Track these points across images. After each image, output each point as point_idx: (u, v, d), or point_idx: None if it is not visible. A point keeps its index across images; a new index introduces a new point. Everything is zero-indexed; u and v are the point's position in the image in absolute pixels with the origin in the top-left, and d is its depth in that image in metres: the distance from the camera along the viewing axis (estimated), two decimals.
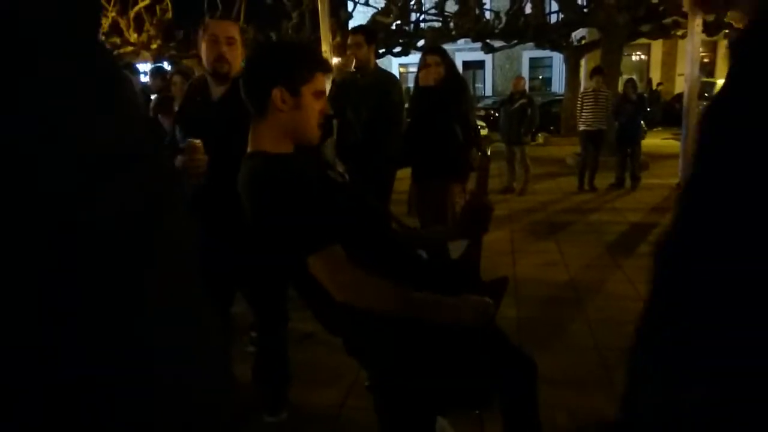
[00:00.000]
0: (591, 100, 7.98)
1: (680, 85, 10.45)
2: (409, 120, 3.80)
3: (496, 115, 11.07)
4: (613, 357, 3.02)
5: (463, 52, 26.46)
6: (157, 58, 20.07)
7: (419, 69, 3.60)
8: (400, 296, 1.37)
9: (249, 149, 1.53)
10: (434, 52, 3.62)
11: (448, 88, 3.49)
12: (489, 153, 2.06)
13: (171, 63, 20.37)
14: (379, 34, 12.32)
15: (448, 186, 3.53)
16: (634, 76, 23.12)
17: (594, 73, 8.28)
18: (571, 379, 2.76)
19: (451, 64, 3.59)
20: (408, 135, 3.70)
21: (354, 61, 3.87)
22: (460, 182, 3.58)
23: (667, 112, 17.24)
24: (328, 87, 2.24)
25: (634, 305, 3.71)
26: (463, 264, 1.67)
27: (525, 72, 28.48)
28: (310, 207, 1.37)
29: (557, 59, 23.92)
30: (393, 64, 28.63)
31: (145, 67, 21.55)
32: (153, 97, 4.62)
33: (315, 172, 1.51)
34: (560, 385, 2.63)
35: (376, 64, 3.91)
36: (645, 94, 17.53)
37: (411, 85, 3.94)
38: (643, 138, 9.37)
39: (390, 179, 3.99)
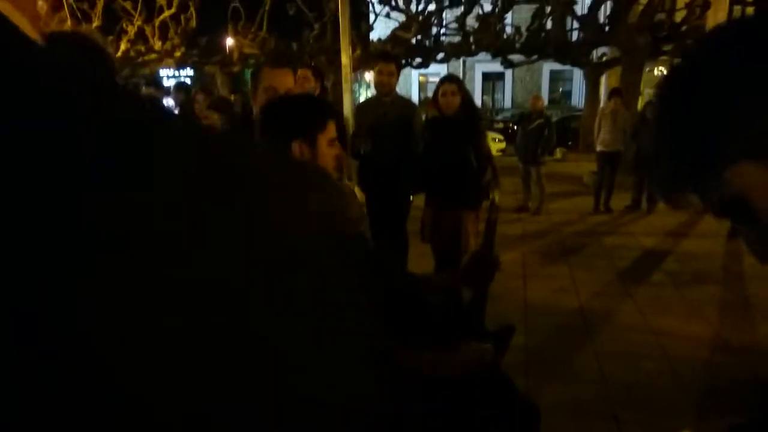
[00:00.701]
0: (609, 121, 7.96)
1: None
2: (423, 146, 3.86)
3: (515, 128, 11.07)
4: (618, 391, 3.04)
5: (482, 64, 26.50)
6: (180, 65, 20.39)
7: (435, 95, 3.67)
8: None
9: None
10: (450, 80, 3.68)
11: (463, 118, 3.55)
12: (497, 200, 2.07)
13: (194, 69, 20.71)
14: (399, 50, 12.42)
15: (461, 214, 3.58)
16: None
17: (612, 94, 8.26)
18: (575, 410, 2.78)
19: (466, 92, 3.65)
20: (423, 161, 3.76)
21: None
22: (474, 210, 3.63)
23: None
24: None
25: (642, 338, 3.72)
26: (467, 313, 1.72)
27: (545, 85, 28.41)
28: None
29: (578, 73, 23.84)
30: (413, 75, 28.78)
31: (167, 72, 21.92)
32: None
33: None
34: (563, 416, 2.66)
35: (396, 91, 3.98)
36: None
37: (430, 94, 3.99)
38: None
39: (408, 205, 4.07)
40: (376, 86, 3.97)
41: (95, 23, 13.90)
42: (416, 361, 1.45)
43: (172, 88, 5.60)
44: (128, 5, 14.48)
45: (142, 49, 15.36)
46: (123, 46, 14.92)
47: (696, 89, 0.54)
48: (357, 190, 3.84)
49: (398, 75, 3.94)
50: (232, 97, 4.73)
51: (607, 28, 12.64)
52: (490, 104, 28.74)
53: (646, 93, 18.83)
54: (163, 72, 22.49)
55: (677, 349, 3.56)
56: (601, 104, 11.01)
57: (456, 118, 3.55)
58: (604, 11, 13.91)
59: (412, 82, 28.83)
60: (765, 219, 0.52)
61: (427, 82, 27.81)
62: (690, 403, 2.93)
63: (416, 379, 1.42)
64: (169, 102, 5.52)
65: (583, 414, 2.78)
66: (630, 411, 2.84)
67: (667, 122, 0.59)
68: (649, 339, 3.72)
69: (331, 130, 1.60)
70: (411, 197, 4.08)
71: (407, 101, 4.21)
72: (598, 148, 8.16)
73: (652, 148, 0.60)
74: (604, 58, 15.59)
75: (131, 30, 14.86)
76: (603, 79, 15.54)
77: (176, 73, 24.05)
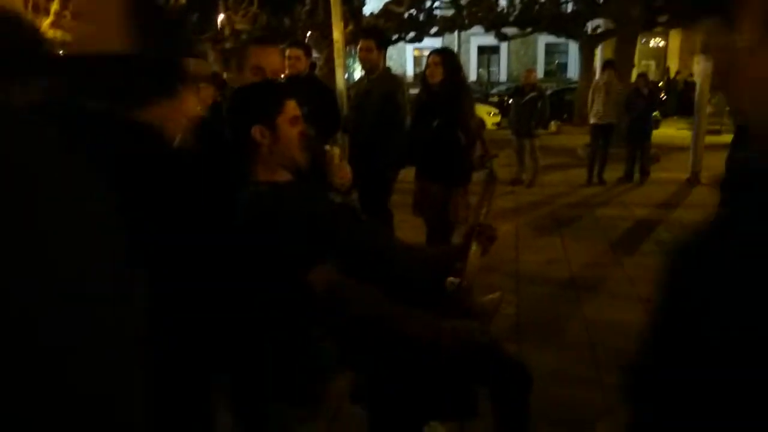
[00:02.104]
0: (602, 93, 7.98)
1: (698, 74, 10.36)
2: (411, 121, 3.89)
3: (510, 101, 11.07)
4: (607, 357, 3.13)
5: (477, 37, 26.28)
6: None
7: (424, 69, 3.69)
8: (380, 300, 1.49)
9: (251, 181, 1.66)
10: (436, 52, 3.69)
11: (446, 92, 3.56)
12: (495, 174, 2.08)
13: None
14: (390, 25, 12.30)
15: (449, 189, 3.62)
16: (652, 63, 22.79)
17: (606, 66, 8.27)
18: (564, 376, 2.87)
19: (451, 65, 3.64)
20: (411, 135, 3.79)
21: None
22: (462, 185, 3.67)
23: (683, 100, 17.06)
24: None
25: (631, 305, 3.81)
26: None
27: (541, 57, 28.23)
28: (302, 232, 1.49)
29: (573, 45, 23.65)
30: (407, 50, 28.51)
31: None
32: None
33: (314, 196, 1.63)
34: (552, 381, 2.74)
35: (385, 67, 3.98)
36: (660, 83, 17.40)
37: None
38: (656, 129, 9.35)
39: (391, 181, 4.10)
40: (360, 63, 3.99)
41: None
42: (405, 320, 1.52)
43: None
44: None
45: None
46: None
47: None
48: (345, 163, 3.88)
49: (380, 51, 3.92)
50: (225, 75, 4.70)
51: (600, 0, 12.56)
52: (486, 78, 28.56)
53: (642, 65, 18.76)
54: None
55: None
56: (596, 76, 11.00)
57: (439, 92, 3.57)
58: None
59: (407, 57, 28.60)
60: None
61: (422, 56, 27.59)
62: None
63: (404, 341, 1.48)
64: None
65: (571, 379, 2.87)
66: (616, 375, 2.93)
67: None
68: (637, 306, 3.81)
69: (291, 110, 1.67)
70: (393, 173, 4.09)
71: (393, 77, 4.21)
72: (591, 120, 8.19)
73: None
74: (599, 30, 15.49)
75: None
76: (598, 52, 15.44)
77: None
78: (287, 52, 3.87)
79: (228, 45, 17.46)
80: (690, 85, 14.78)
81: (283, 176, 1.66)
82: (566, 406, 2.61)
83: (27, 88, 0.92)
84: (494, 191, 1.94)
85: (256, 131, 1.61)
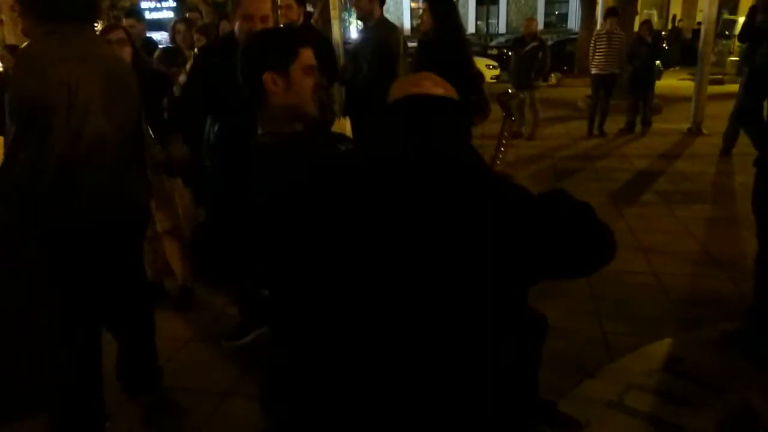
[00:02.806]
0: (604, 42, 7.79)
1: (703, 20, 10.02)
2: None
3: (509, 54, 10.82)
4: (607, 305, 3.13)
5: None
6: None
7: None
8: None
9: (259, 131, 1.59)
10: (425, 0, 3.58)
11: (437, 38, 3.45)
12: (512, 112, 1.98)
13: (176, 0, 19.98)
14: None
15: None
16: (654, 12, 22.30)
17: (608, 14, 8.04)
18: (563, 327, 2.86)
19: (441, 10, 3.51)
20: None
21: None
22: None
23: (686, 50, 16.72)
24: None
25: (631, 255, 3.80)
26: None
27: (541, 8, 27.57)
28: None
29: None
30: (404, 2, 27.84)
31: (149, 5, 21.13)
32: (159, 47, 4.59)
33: (322, 150, 1.55)
34: (554, 332, 2.73)
35: (381, 15, 3.85)
36: (663, 33, 17.00)
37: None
38: (659, 79, 9.17)
39: None
40: (354, 12, 3.89)
41: None
42: None
43: (172, 23, 5.31)
44: None
45: None
46: None
47: None
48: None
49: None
50: (221, 24, 4.55)
51: None
52: (484, 29, 27.96)
53: (644, 13, 18.32)
54: (144, 4, 21.69)
55: (665, 265, 3.65)
56: (598, 27, 10.71)
57: (431, 40, 3.47)
58: None
59: (404, 9, 27.94)
60: None
61: (419, 9, 26.96)
62: (676, 315, 3.03)
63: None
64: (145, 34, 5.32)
65: (571, 330, 2.86)
66: (617, 323, 2.94)
67: None
68: (637, 256, 3.80)
69: (306, 58, 1.57)
70: None
71: (390, 25, 4.07)
72: (593, 70, 8.03)
73: None
74: None
75: None
76: (600, 0, 15.04)
77: (157, 5, 23.19)
78: (279, 1, 3.75)
79: None
80: (697, 34, 14.45)
81: (292, 127, 1.58)
82: (568, 356, 2.62)
83: None
84: (511, 131, 1.85)
85: (268, 78, 1.52)
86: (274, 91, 1.53)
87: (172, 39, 4.84)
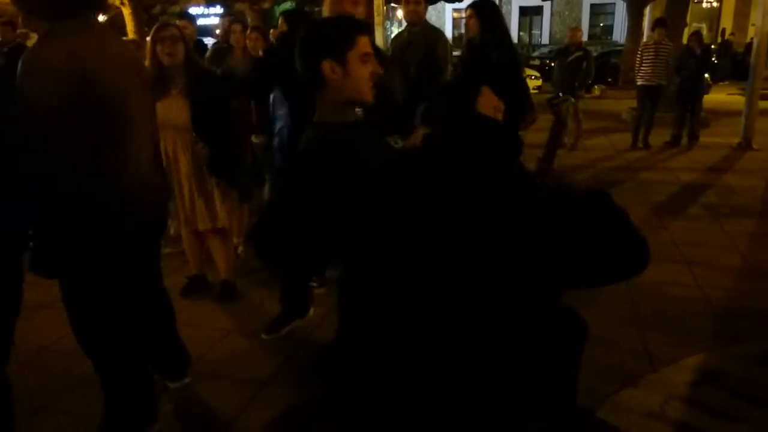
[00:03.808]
0: (651, 53, 7.66)
1: (755, 34, 9.71)
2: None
3: (552, 65, 10.72)
4: (648, 316, 3.07)
5: None
6: (209, 2, 20.11)
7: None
8: None
9: (314, 119, 1.63)
10: (471, 5, 3.59)
11: (485, 42, 3.46)
12: (564, 117, 2.00)
13: (223, 6, 20.48)
14: None
15: None
16: (704, 26, 21.76)
17: (656, 24, 7.91)
18: (603, 336, 2.83)
19: (487, 15, 3.52)
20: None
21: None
22: None
23: (736, 64, 16.26)
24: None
25: (675, 267, 3.72)
26: None
27: (585, 19, 27.21)
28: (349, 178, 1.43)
29: (620, 5, 22.71)
30: (447, 10, 27.86)
31: (197, 10, 21.71)
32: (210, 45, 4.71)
33: (372, 141, 1.57)
34: (594, 341, 2.68)
35: (426, 20, 3.89)
36: (713, 46, 16.59)
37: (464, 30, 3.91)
38: (707, 93, 8.94)
39: None
40: (405, 17, 3.92)
41: None
42: None
43: (223, 21, 5.46)
44: None
45: None
46: None
47: None
48: None
49: (426, 5, 3.86)
50: (271, 32, 4.66)
51: None
52: (527, 40, 27.75)
53: (694, 26, 17.90)
54: (193, 10, 22.27)
55: (709, 278, 3.56)
56: (644, 38, 10.52)
57: (479, 44, 3.49)
58: None
59: (446, 19, 27.98)
60: None
61: (461, 18, 26.95)
62: (718, 329, 2.96)
63: None
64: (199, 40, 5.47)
65: (611, 339, 2.82)
66: (658, 334, 2.88)
67: None
68: (682, 269, 3.71)
69: (363, 46, 1.60)
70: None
71: (435, 29, 4.10)
72: (639, 82, 7.89)
73: None
74: None
75: None
76: (647, 12, 14.76)
77: (205, 11, 23.78)
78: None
79: (266, 5, 17.39)
80: (749, 48, 14.06)
81: (349, 115, 1.62)
82: (607, 364, 2.58)
83: None
84: (562, 134, 1.86)
85: (326, 66, 1.55)
86: (332, 78, 1.56)
87: (226, 38, 4.96)
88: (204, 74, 3.16)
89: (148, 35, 3.23)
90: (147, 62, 2.89)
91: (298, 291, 2.95)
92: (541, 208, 1.20)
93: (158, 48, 2.88)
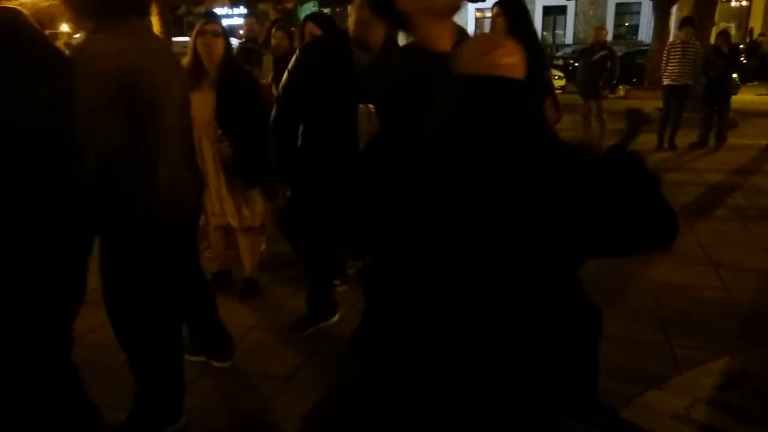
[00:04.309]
0: (678, 52, 7.55)
1: None
2: None
3: (576, 65, 10.62)
4: (673, 318, 3.03)
5: None
6: (233, 3, 20.35)
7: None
8: None
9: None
10: (497, 4, 3.58)
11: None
12: (646, 115, 1.84)
13: (247, 7, 20.69)
14: None
15: None
16: (732, 25, 21.39)
17: (684, 23, 7.79)
18: (628, 337, 2.80)
19: (514, 13, 3.51)
20: None
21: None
22: None
23: (765, 64, 15.94)
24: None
25: (701, 270, 3.67)
26: None
27: (610, 18, 26.88)
28: None
29: (646, 5, 22.41)
30: (470, 9, 27.74)
31: (221, 11, 21.95)
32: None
33: None
34: (618, 343, 2.67)
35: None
36: (741, 46, 16.27)
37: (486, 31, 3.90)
38: (735, 94, 8.79)
39: None
40: None
41: None
42: None
43: (247, 21, 5.49)
44: None
45: None
46: None
47: None
48: None
49: None
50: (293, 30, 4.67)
51: None
52: (551, 40, 27.50)
53: (722, 25, 17.58)
54: (218, 11, 22.54)
55: (736, 280, 3.50)
56: (671, 38, 10.38)
57: None
58: None
59: (468, 18, 27.86)
60: None
61: (483, 18, 26.83)
62: (746, 332, 2.90)
63: None
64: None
65: (635, 342, 2.79)
66: (684, 336, 2.84)
67: None
68: (708, 271, 3.66)
69: None
70: None
71: (460, 28, 4.10)
72: (665, 81, 7.78)
73: None
74: None
75: None
76: (674, 11, 14.55)
77: (229, 11, 24.05)
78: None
79: (289, 5, 17.54)
80: None
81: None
82: (631, 365, 2.56)
83: None
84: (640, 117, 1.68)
85: None
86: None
87: (253, 37, 4.98)
88: (237, 72, 3.12)
89: (172, 35, 3.26)
90: (187, 57, 2.98)
91: (324, 293, 2.97)
92: (568, 170, 1.16)
93: (199, 40, 2.94)
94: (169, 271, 2.03)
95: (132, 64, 1.73)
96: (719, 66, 7.47)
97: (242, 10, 23.61)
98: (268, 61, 4.35)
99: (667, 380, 2.48)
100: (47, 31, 6.69)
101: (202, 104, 2.95)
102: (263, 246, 4.00)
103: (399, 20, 1.63)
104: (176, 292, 2.13)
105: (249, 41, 5.06)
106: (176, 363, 2.16)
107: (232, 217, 3.22)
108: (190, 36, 3.11)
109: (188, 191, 2.08)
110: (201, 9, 17.37)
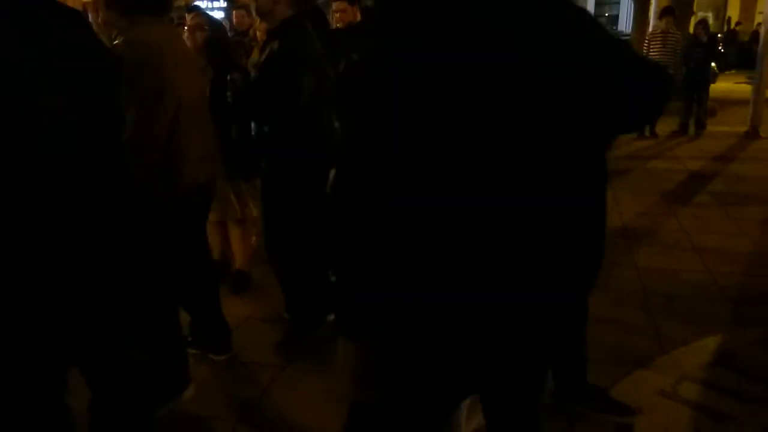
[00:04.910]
0: (659, 42, 7.65)
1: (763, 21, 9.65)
2: None
3: None
4: (658, 301, 3.12)
5: None
6: None
7: None
8: None
9: None
10: None
11: None
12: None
13: (228, 0, 20.44)
14: None
15: None
16: (710, 14, 21.66)
17: (664, 13, 7.90)
18: (615, 320, 2.88)
19: None
20: None
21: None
22: None
23: (743, 53, 16.18)
24: None
25: (685, 254, 3.76)
26: None
27: (590, 9, 27.07)
28: None
29: None
30: None
31: (200, 4, 21.61)
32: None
33: None
34: (605, 327, 2.74)
35: None
36: (719, 35, 16.49)
37: None
38: (714, 82, 8.93)
39: None
40: None
41: None
42: None
43: (238, 13, 5.45)
44: None
45: None
46: None
47: None
48: None
49: None
50: None
51: None
52: None
53: (700, 15, 17.79)
54: (197, 3, 22.26)
55: (718, 264, 3.59)
56: (650, 28, 10.49)
57: None
58: None
59: None
60: None
61: None
62: (729, 313, 3.00)
63: None
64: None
65: (621, 322, 2.86)
66: (669, 318, 2.92)
67: None
68: (691, 255, 3.75)
69: None
70: None
71: None
72: None
73: None
74: None
75: None
76: (653, 1, 14.69)
77: (209, 4, 23.75)
78: (333, 6, 3.81)
79: None
80: (755, 37, 13.96)
81: None
82: (618, 346, 2.63)
83: None
84: None
85: None
86: None
87: (242, 30, 4.97)
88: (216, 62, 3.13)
89: None
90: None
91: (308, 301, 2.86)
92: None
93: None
94: (179, 248, 2.16)
95: (170, 58, 1.94)
96: (698, 55, 7.59)
97: (221, 3, 23.35)
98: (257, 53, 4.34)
99: (654, 359, 2.56)
100: None
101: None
102: (254, 239, 4.01)
103: None
104: (185, 265, 2.28)
105: (239, 34, 5.03)
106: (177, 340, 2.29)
107: (231, 210, 3.25)
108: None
109: (205, 174, 2.22)
110: (181, 2, 17.16)
